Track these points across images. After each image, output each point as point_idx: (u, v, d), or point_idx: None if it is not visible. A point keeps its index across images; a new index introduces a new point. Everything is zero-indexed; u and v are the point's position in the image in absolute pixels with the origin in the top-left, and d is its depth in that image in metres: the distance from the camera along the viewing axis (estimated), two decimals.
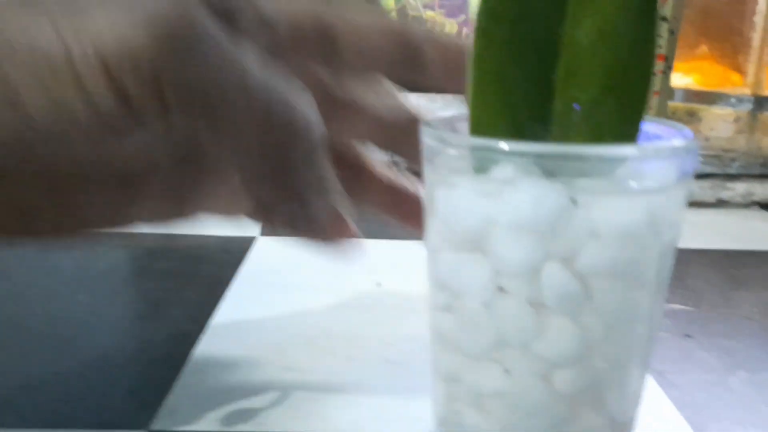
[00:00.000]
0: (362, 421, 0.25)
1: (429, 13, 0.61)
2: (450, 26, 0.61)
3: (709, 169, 0.51)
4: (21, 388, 0.26)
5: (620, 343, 0.20)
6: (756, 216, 0.50)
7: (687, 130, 0.21)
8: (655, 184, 0.19)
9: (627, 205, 0.19)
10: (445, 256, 0.21)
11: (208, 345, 0.30)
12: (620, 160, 0.18)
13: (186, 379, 0.27)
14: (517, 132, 0.20)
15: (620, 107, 0.20)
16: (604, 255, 0.19)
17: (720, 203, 0.51)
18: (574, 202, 0.18)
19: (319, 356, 0.29)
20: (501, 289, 0.19)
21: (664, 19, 0.49)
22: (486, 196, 0.19)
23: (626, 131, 0.20)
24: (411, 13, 0.61)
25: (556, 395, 0.20)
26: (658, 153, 0.19)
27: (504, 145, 0.18)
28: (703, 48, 0.54)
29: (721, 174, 0.51)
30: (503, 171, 0.19)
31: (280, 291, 0.35)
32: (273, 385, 0.27)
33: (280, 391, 0.26)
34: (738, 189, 0.51)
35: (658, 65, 0.49)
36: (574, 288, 0.19)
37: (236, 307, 0.33)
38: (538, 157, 0.18)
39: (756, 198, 0.51)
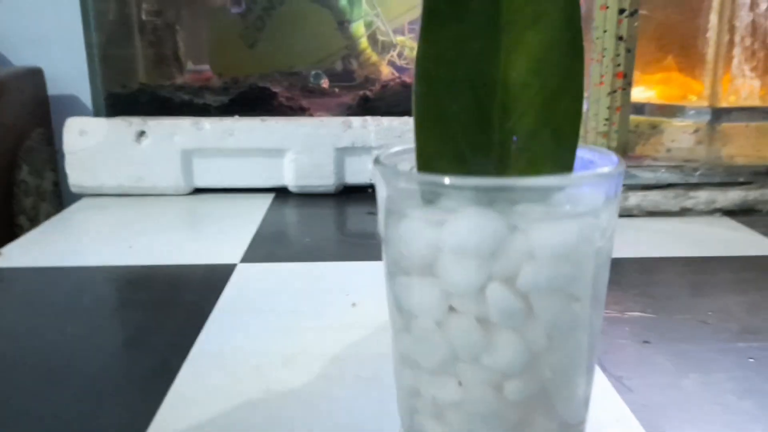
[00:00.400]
0: None
1: (399, 38, 0.63)
2: None
3: (672, 179, 0.53)
4: (7, 421, 0.28)
5: (563, 353, 0.22)
6: (719, 222, 0.52)
7: (613, 156, 0.23)
8: (586, 208, 0.21)
9: (560, 227, 0.21)
10: (400, 281, 0.23)
11: (189, 372, 0.31)
12: (553, 189, 0.20)
13: (169, 406, 0.28)
14: (459, 162, 0.22)
15: (554, 137, 0.22)
16: (541, 274, 0.21)
17: (684, 212, 0.53)
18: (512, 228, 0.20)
19: (297, 376, 0.31)
20: (451, 309, 0.21)
21: (620, 38, 0.51)
22: (433, 225, 0.21)
23: (562, 159, 0.22)
24: (381, 38, 0.64)
25: (508, 403, 0.22)
26: (586, 180, 0.21)
27: (446, 179, 0.20)
28: (667, 62, 0.56)
29: (683, 183, 0.53)
30: (447, 202, 0.21)
31: (259, 316, 0.37)
32: (253, 407, 0.28)
33: (260, 413, 0.28)
34: (701, 197, 0.53)
35: (618, 82, 0.52)
36: (516, 305, 0.21)
37: (217, 334, 0.35)
38: (477, 189, 0.20)
39: (718, 205, 0.53)
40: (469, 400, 0.22)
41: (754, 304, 0.38)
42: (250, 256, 0.46)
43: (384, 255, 0.23)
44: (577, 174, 0.22)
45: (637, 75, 0.53)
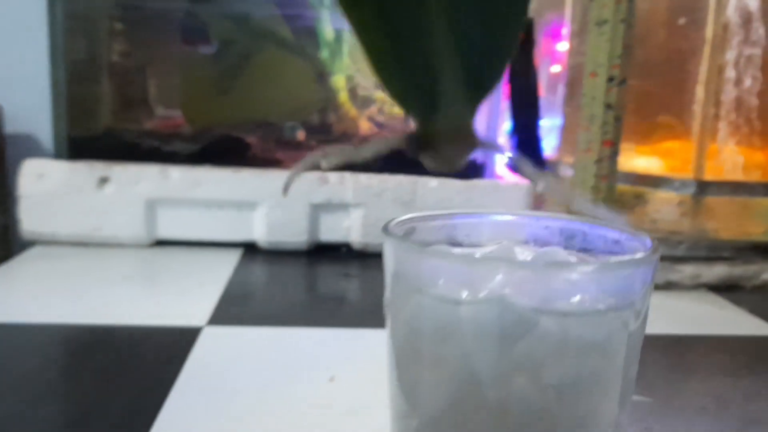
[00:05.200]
0: None
1: (379, 94, 0.62)
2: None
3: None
4: None
5: None
6: (704, 298, 0.51)
7: (647, 239, 0.21)
8: (620, 298, 0.19)
9: (590, 321, 0.18)
10: (409, 368, 0.20)
11: None
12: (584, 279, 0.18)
13: None
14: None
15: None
16: (569, 367, 0.18)
17: (669, 285, 0.52)
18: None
19: None
20: (467, 400, 0.19)
21: (609, 106, 0.50)
22: (451, 304, 0.18)
23: None
24: (362, 93, 0.62)
25: None
26: (619, 268, 0.19)
27: (476, 263, 0.18)
28: (652, 133, 0.56)
29: (668, 256, 0.51)
30: (471, 285, 0.18)
31: (227, 393, 0.34)
32: None
33: None
34: (686, 271, 0.52)
35: (606, 150, 0.51)
36: (541, 400, 0.18)
37: (179, 411, 0.31)
38: (506, 275, 0.18)
39: (703, 280, 0.52)
40: None
41: (752, 391, 0.37)
42: (217, 319, 0.43)
43: (390, 336, 0.21)
44: (610, 261, 0.19)
45: (622, 145, 0.53)
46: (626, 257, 0.19)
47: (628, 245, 0.21)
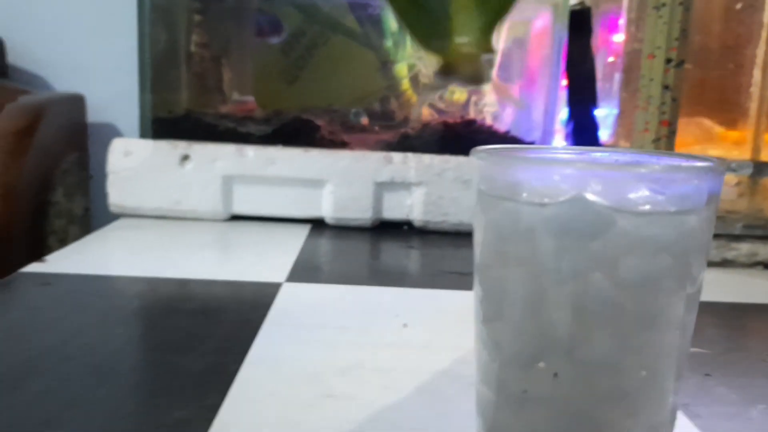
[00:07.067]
0: None
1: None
2: (460, 94, 0.64)
3: (714, 230, 0.53)
4: (64, 410, 0.27)
5: (658, 350, 0.22)
6: (761, 275, 0.52)
7: (714, 161, 0.23)
8: (690, 202, 0.21)
9: (661, 222, 0.21)
10: (496, 271, 0.22)
11: (248, 373, 0.31)
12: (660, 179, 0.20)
13: (232, 402, 0.28)
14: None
15: None
16: (642, 265, 0.20)
17: (725, 263, 0.53)
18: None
19: (356, 386, 0.30)
20: (548, 297, 0.21)
21: (666, 87, 0.52)
22: (537, 211, 0.21)
23: None
24: (423, 80, 0.65)
25: (599, 400, 0.21)
26: (688, 171, 0.21)
27: (559, 168, 0.21)
28: (709, 115, 0.57)
29: (725, 234, 0.53)
30: (554, 189, 0.21)
31: (311, 330, 0.37)
32: (316, 407, 0.28)
33: (323, 412, 0.27)
34: (742, 249, 0.53)
35: (663, 130, 0.52)
36: (616, 296, 0.20)
37: (270, 343, 0.34)
38: (583, 171, 0.20)
39: (760, 258, 0.53)
40: (561, 394, 0.21)
41: None
42: (294, 277, 0.46)
43: (479, 243, 0.23)
44: (681, 165, 0.22)
45: (680, 127, 0.54)
46: (696, 164, 0.22)
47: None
